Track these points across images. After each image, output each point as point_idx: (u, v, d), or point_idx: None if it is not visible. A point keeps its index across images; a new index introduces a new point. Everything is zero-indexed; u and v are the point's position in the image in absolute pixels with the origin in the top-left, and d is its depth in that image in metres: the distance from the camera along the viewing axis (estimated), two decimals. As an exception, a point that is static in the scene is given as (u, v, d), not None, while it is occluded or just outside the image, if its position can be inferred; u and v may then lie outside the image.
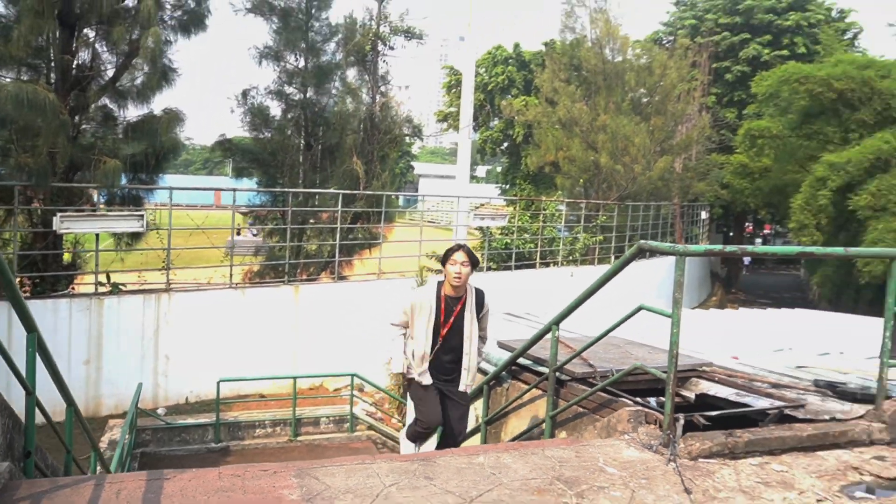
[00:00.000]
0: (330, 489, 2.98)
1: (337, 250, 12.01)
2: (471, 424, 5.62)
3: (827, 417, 4.00)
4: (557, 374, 4.69)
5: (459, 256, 4.37)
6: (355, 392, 9.79)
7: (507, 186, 34.83)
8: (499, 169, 48.63)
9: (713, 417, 3.85)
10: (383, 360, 11.48)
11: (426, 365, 4.53)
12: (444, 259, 4.44)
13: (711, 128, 24.71)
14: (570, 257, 17.02)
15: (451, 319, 4.44)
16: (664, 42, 30.11)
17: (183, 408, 10.09)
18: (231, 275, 10.98)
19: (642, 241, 3.96)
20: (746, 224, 40.36)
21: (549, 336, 4.62)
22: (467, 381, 4.64)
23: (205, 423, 8.84)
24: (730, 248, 4.02)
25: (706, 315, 12.07)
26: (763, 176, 25.07)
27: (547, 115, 19.24)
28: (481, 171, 67.23)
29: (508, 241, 16.08)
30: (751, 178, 25.65)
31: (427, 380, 4.54)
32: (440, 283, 4.51)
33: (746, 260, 40.37)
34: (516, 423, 5.28)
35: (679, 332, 3.63)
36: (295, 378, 9.35)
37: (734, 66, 28.74)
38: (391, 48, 13.97)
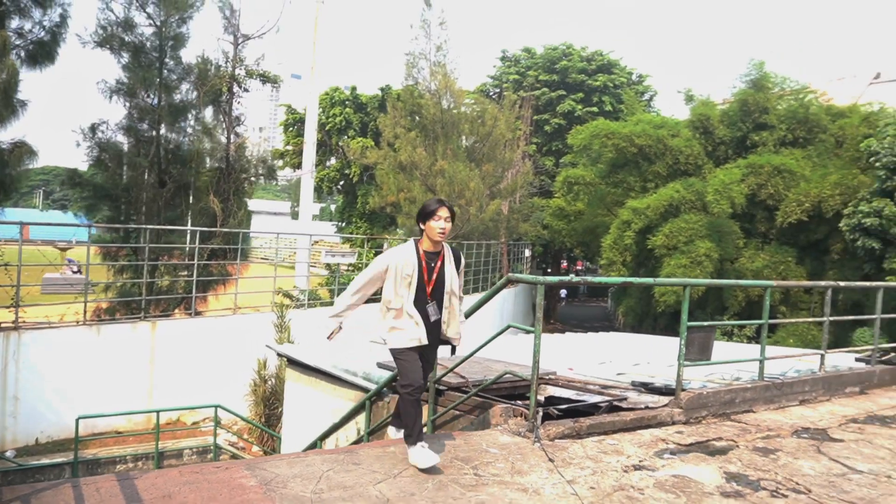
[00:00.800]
0: (279, 476, 3.63)
1: (194, 286, 12.07)
2: (353, 435, 6.35)
3: (643, 406, 5.28)
4: (436, 385, 5.61)
5: (444, 212, 4.18)
6: (213, 423, 9.95)
7: (344, 224, 35.54)
8: (332, 207, 49.14)
9: (563, 410, 4.97)
10: (243, 392, 11.73)
11: (418, 322, 4.17)
12: (426, 216, 4.19)
13: (534, 174, 27.33)
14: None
15: (434, 276, 4.22)
16: (491, 94, 32.88)
17: (34, 449, 9.59)
18: (85, 311, 10.67)
19: (510, 274, 5.03)
20: (562, 261, 44.29)
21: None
22: (453, 332, 4.38)
23: (61, 462, 8.59)
24: (576, 277, 5.19)
25: (542, 337, 13.56)
26: (577, 218, 28.08)
27: (388, 159, 20.42)
28: (315, 208, 67.35)
29: (354, 277, 16.83)
30: (567, 220, 28.59)
31: (424, 337, 4.17)
32: (416, 241, 4.30)
33: (563, 293, 44.26)
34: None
35: (540, 343, 4.70)
36: (158, 412, 9.36)
37: (552, 119, 32.04)
38: (246, 90, 14.37)
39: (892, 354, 8.08)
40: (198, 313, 12.53)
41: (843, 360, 8.12)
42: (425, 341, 4.19)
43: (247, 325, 11.98)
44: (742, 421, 5.49)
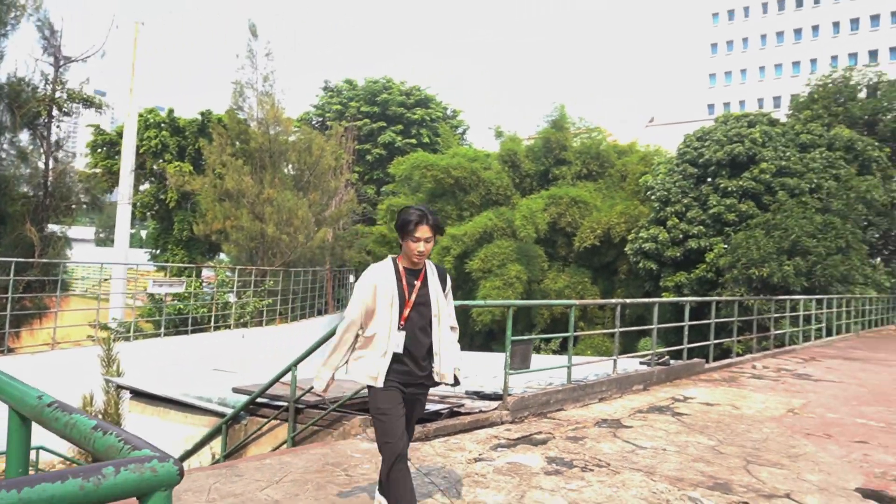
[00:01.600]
0: (172, 490, 3.99)
1: (7, 322, 11.19)
2: (208, 460, 6.63)
3: (477, 410, 6.20)
4: (296, 404, 6.12)
5: (423, 232, 3.40)
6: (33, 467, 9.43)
7: (158, 251, 33.78)
8: (143, 233, 46.24)
9: (413, 417, 5.73)
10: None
11: (385, 352, 3.45)
12: (402, 230, 3.43)
13: (358, 202, 28.17)
14: (241, 320, 18.01)
15: (413, 295, 3.48)
16: (314, 123, 33.37)
17: None
18: None
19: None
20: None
21: (285, 376, 6.03)
22: (447, 366, 3.59)
23: None
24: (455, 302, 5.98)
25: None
26: (399, 245, 29.29)
27: (214, 186, 20.14)
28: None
29: (182, 306, 16.43)
30: (390, 247, 29.70)
31: (382, 374, 3.43)
32: (394, 259, 3.59)
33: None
34: (256, 451, 6.47)
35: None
36: (-28, 458, 8.67)
37: (374, 149, 33.20)
38: (67, 114, 13.58)
39: (666, 357, 9.89)
40: (10, 350, 11.62)
41: (630, 364, 9.75)
42: (380, 380, 3.41)
43: (67, 361, 11.36)
44: (556, 417, 6.62)
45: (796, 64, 67.69)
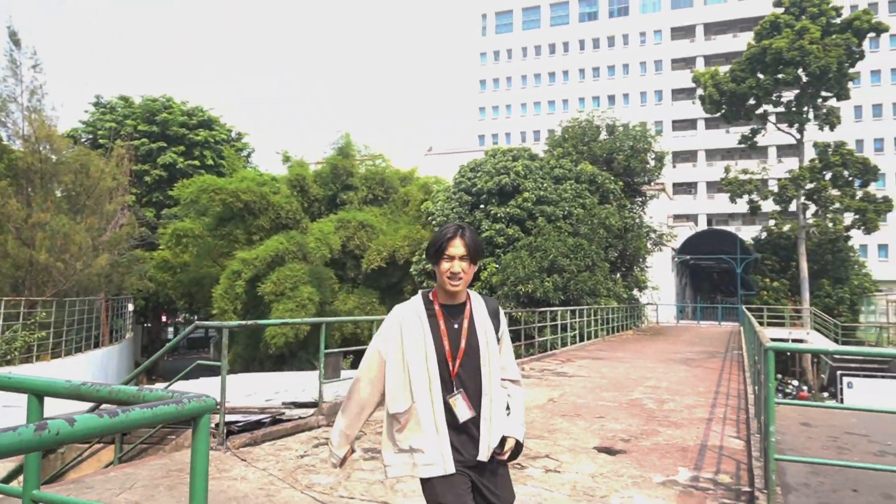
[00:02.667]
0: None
1: None
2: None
3: (297, 417, 7.02)
4: (123, 425, 6.46)
5: (457, 247, 2.55)
6: None
7: None
8: None
9: (242, 427, 6.42)
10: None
11: (441, 430, 2.45)
12: (434, 253, 2.59)
13: (140, 226, 26.83)
14: (8, 357, 16.51)
15: (462, 342, 2.54)
16: (83, 140, 30.99)
17: None
18: None
19: (198, 322, 6.29)
20: (162, 315, 42.95)
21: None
22: (513, 428, 2.59)
23: None
24: (262, 321, 6.67)
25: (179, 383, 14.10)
26: (183, 270, 28.35)
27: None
28: None
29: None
30: (172, 272, 28.60)
31: (450, 464, 2.42)
32: (426, 294, 2.67)
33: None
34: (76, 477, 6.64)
35: (226, 379, 6.11)
36: None
37: (153, 171, 31.69)
38: None
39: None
40: None
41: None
42: (450, 468, 2.41)
43: None
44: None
45: (552, 103, 76.31)
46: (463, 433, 2.46)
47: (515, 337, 17.83)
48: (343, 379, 8.48)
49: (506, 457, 2.54)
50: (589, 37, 75.88)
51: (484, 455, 2.45)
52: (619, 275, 26.86)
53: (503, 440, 2.52)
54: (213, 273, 26.35)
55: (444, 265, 2.54)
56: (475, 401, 2.50)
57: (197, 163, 32.32)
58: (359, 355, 22.19)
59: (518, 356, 17.13)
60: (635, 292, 28.42)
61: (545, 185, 23.69)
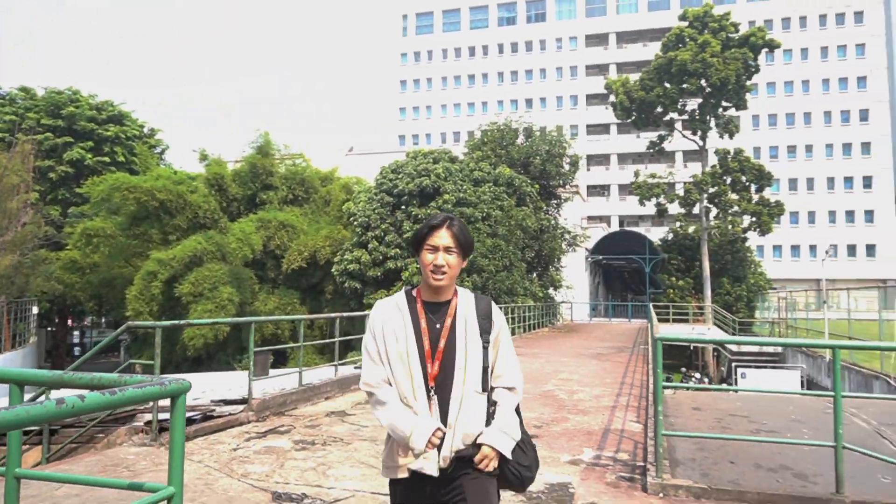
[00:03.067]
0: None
1: None
2: None
3: (227, 413, 7.23)
4: (51, 425, 6.50)
5: (441, 237, 2.38)
6: None
7: None
8: None
9: (172, 423, 6.59)
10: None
11: (425, 431, 2.27)
12: (418, 242, 2.44)
13: (45, 225, 25.69)
14: None
15: (442, 342, 2.37)
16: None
17: None
18: None
19: (129, 322, 6.41)
20: (68, 318, 41.06)
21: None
22: (486, 437, 2.33)
23: None
24: (196, 321, 6.82)
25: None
26: (93, 271, 27.29)
27: None
28: None
29: None
30: (81, 273, 27.47)
31: (432, 466, 2.28)
32: (410, 289, 2.52)
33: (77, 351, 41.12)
34: None
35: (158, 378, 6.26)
36: None
37: (58, 167, 30.30)
38: None
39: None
40: None
41: (346, 370, 11.39)
42: (429, 468, 2.27)
43: None
44: (293, 414, 7.92)
45: (471, 105, 77.58)
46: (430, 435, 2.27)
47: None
48: (271, 376, 8.70)
49: (485, 467, 2.26)
50: (508, 41, 77.58)
51: (436, 466, 2.24)
52: (535, 274, 27.85)
53: (478, 448, 2.30)
54: (125, 274, 25.54)
55: (428, 256, 2.37)
56: (444, 406, 2.31)
57: (107, 159, 31.10)
58: (279, 354, 21.98)
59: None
60: (551, 291, 29.52)
61: (465, 187, 24.33)
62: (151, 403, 6.32)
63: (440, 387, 2.33)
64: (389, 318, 2.41)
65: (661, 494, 4.72)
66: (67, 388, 2.43)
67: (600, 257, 44.49)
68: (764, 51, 36.44)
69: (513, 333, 22.35)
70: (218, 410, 7.29)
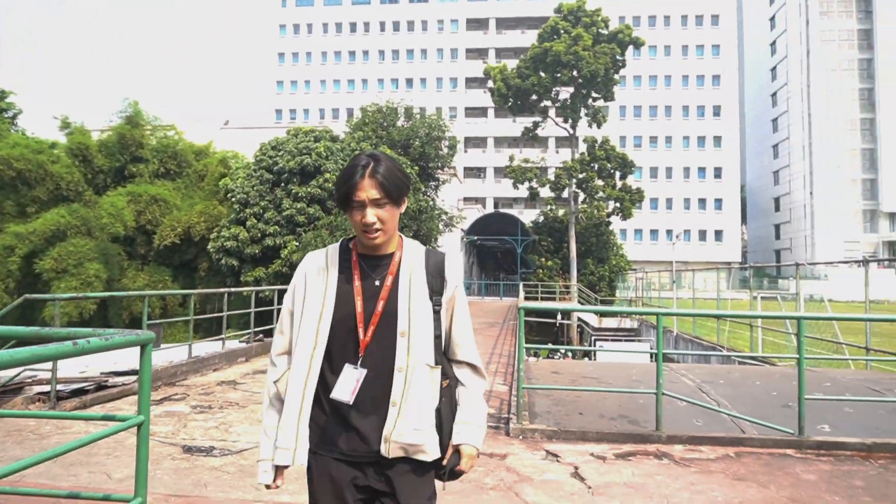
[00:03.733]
0: None
1: None
2: None
3: (121, 384, 7.46)
4: (-65, 398, 6.50)
5: (366, 190, 1.93)
6: None
7: None
8: None
9: (71, 392, 6.78)
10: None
11: (305, 410, 1.95)
12: (341, 201, 2.01)
13: None
14: None
15: (380, 303, 1.98)
16: None
17: None
18: None
19: (27, 295, 6.50)
20: None
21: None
22: (463, 436, 2.03)
23: None
24: (96, 293, 6.95)
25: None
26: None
27: None
28: None
29: None
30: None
31: (302, 453, 1.93)
32: (346, 240, 2.12)
33: None
34: None
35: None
36: None
37: None
38: None
39: (260, 335, 12.13)
40: None
41: (231, 343, 11.69)
42: (301, 458, 1.92)
43: None
44: (185, 384, 8.24)
45: (351, 81, 76.93)
46: (358, 418, 1.88)
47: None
48: (162, 349, 8.92)
49: (468, 470, 1.99)
50: (389, 19, 77.38)
51: (383, 449, 1.86)
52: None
53: (457, 451, 1.98)
54: (-25, 248, 23.80)
55: (355, 216, 1.92)
56: (385, 379, 1.89)
57: (-49, 123, 28.53)
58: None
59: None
60: (428, 269, 30.52)
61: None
62: (50, 375, 6.50)
63: (374, 358, 1.90)
64: (314, 272, 2.00)
65: (520, 437, 5.65)
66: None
67: (475, 238, 46.21)
68: (630, 47, 39.13)
69: (392, 310, 23.12)
70: (112, 381, 7.50)
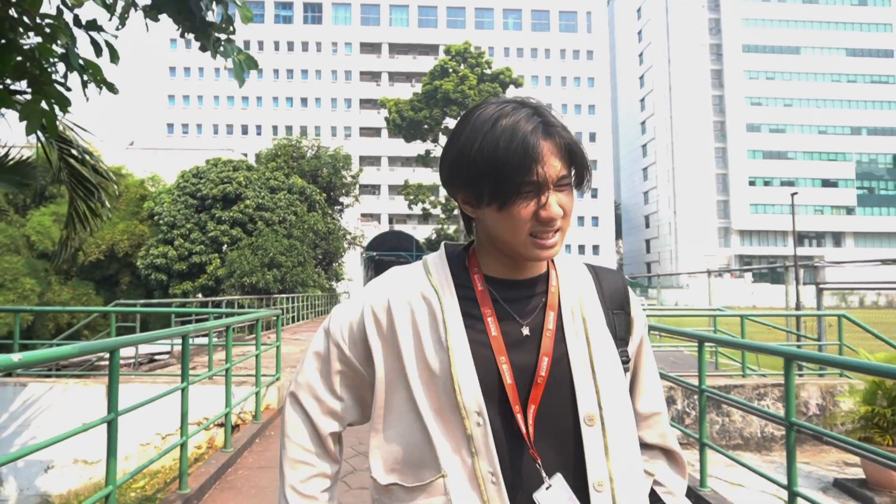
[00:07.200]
0: None
1: None
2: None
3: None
4: None
5: (553, 160, 0.99)
6: None
7: None
8: None
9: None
10: None
11: None
12: (506, 173, 0.98)
13: None
14: None
15: (545, 363, 1.03)
16: None
17: None
18: None
19: None
20: None
21: None
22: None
23: None
24: (60, 307, 10.41)
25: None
26: None
27: None
28: None
29: None
30: None
31: None
32: (454, 251, 1.18)
33: None
34: None
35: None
36: None
37: None
38: None
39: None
40: None
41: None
42: None
43: None
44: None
45: (245, 98, 77.95)
46: None
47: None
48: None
49: None
50: (284, 39, 79.51)
51: None
52: (323, 270, 32.40)
53: None
54: None
55: (519, 208, 1.01)
56: (579, 494, 1.02)
57: None
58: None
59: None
60: (334, 283, 34.26)
61: (263, 194, 28.00)
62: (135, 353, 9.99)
63: (550, 465, 1.03)
64: (402, 305, 1.11)
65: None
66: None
67: (374, 253, 50.09)
68: (511, 86, 44.50)
69: (307, 318, 26.71)
70: (157, 357, 10.97)
